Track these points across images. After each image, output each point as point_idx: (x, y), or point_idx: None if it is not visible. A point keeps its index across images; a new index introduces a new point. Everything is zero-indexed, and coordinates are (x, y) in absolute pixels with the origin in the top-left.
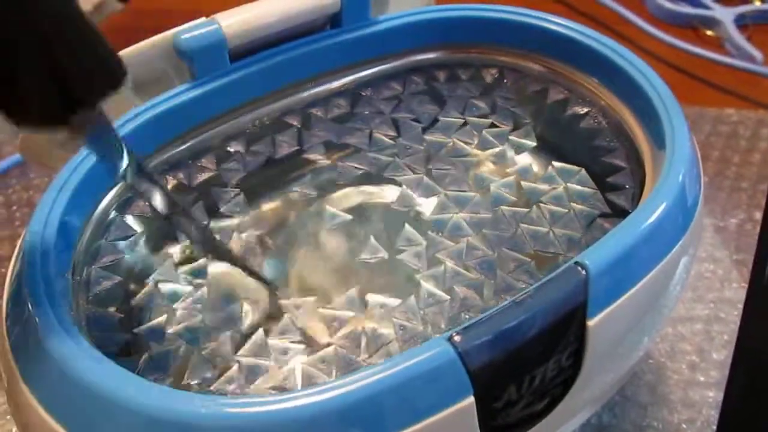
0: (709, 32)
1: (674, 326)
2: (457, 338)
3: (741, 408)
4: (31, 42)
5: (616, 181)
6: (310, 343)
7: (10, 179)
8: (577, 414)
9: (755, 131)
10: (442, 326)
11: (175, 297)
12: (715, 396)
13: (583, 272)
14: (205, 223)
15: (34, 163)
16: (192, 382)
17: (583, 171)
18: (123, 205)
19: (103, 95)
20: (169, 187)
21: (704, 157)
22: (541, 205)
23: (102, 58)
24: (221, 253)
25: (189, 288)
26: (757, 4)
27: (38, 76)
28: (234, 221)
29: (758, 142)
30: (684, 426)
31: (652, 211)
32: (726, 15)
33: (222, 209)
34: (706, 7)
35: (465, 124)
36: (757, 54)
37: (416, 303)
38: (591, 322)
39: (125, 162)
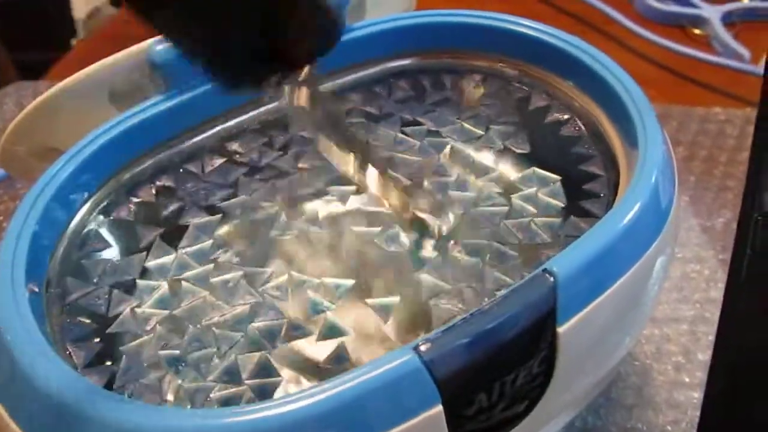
0: (696, 31)
1: (660, 327)
2: (423, 347)
3: (721, 407)
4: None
5: (592, 188)
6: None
7: None
8: (556, 417)
9: (743, 130)
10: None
11: (151, 306)
12: (700, 397)
13: (551, 279)
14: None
15: (17, 176)
16: (169, 390)
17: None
18: (98, 216)
19: (318, 56)
20: (151, 193)
21: (691, 157)
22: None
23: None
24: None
25: (165, 297)
26: (745, 1)
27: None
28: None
29: (746, 141)
30: (669, 428)
31: (623, 215)
32: (713, 13)
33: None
34: (694, 6)
35: (440, 130)
36: (745, 52)
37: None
38: (561, 329)
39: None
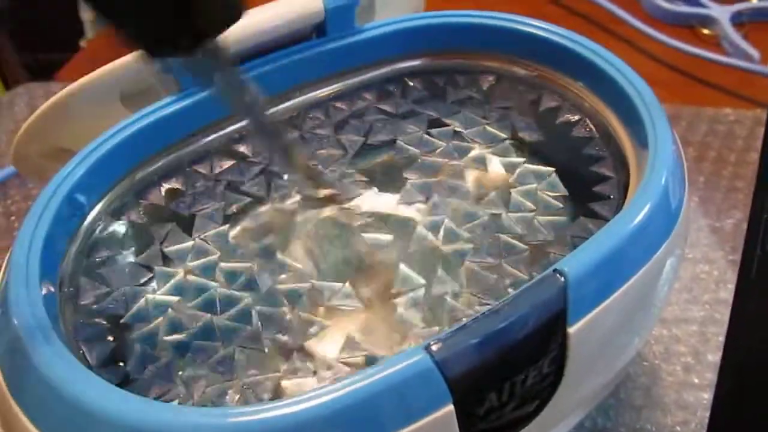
0: (705, 31)
1: (669, 328)
2: (434, 347)
3: (730, 408)
4: None
5: (602, 190)
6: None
7: (9, 189)
8: (566, 417)
9: (752, 130)
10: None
11: (163, 305)
12: (709, 398)
13: (562, 279)
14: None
15: (29, 176)
16: (181, 389)
17: (554, 175)
18: (110, 217)
19: (225, 26)
20: (162, 193)
21: (701, 157)
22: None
23: None
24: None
25: (177, 296)
26: (754, 1)
27: (166, 6)
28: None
29: (755, 142)
30: (678, 428)
31: (634, 216)
32: (722, 13)
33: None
34: (703, 6)
35: (453, 131)
36: (754, 52)
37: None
38: (572, 329)
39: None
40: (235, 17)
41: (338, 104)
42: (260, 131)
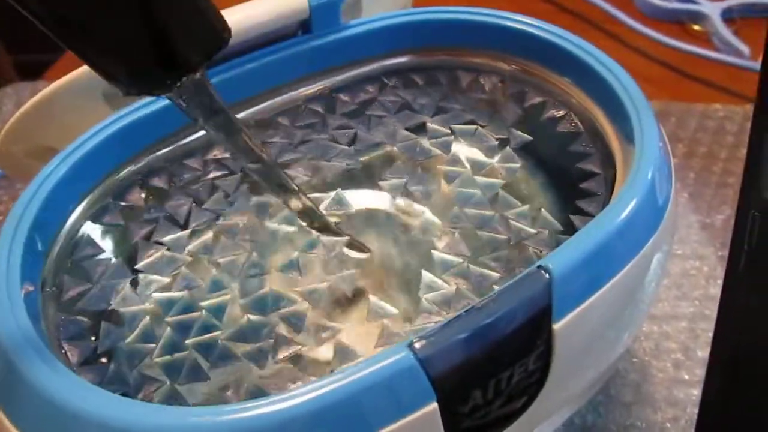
0: (696, 27)
1: (659, 324)
2: (417, 345)
3: (719, 404)
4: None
5: (589, 187)
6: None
7: None
8: (554, 413)
9: (742, 126)
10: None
11: (145, 303)
12: (699, 394)
13: (547, 276)
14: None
15: (14, 176)
16: (161, 389)
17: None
18: (94, 215)
19: (207, 58)
20: (146, 192)
21: (691, 153)
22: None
23: (207, 21)
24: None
25: (160, 295)
26: None
27: (144, 44)
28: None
29: (745, 137)
30: (668, 425)
31: (619, 211)
32: (713, 9)
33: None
34: (694, 2)
35: (439, 127)
36: (744, 48)
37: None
38: (557, 326)
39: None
40: (218, 45)
41: (323, 102)
42: (249, 162)
